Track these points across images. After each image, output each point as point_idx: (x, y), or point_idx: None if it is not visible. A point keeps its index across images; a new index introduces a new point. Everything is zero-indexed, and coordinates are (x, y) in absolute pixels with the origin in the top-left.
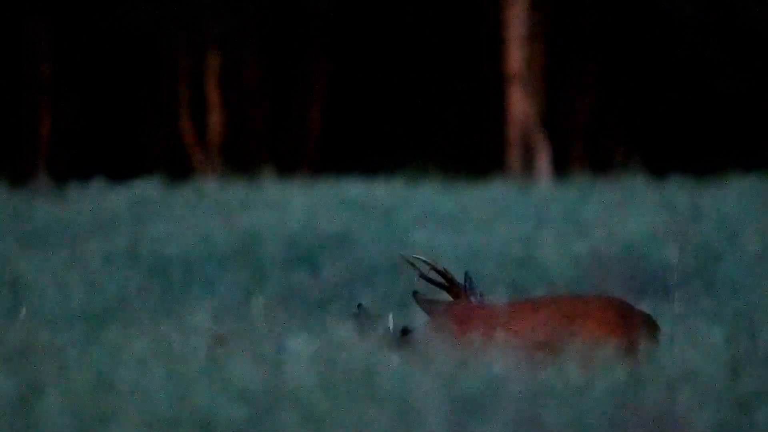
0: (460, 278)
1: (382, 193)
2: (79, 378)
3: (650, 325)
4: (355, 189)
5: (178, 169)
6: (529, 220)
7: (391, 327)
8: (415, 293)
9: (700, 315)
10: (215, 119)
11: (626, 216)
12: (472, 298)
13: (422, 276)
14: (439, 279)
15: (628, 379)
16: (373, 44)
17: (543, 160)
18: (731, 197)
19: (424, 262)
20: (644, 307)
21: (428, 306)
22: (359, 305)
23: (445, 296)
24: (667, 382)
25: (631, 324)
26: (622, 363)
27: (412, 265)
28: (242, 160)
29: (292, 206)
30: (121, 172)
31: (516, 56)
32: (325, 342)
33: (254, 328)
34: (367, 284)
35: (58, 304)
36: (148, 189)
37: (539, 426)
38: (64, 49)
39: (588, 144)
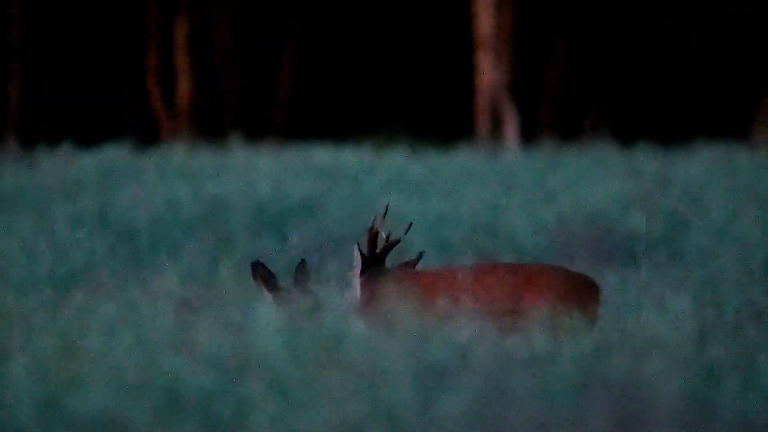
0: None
1: (350, 159)
2: (46, 343)
3: (592, 287)
4: (323, 155)
5: (146, 135)
6: (497, 187)
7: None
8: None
9: (667, 283)
10: (184, 85)
11: (594, 183)
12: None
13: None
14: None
15: (595, 347)
16: (343, 11)
17: (511, 128)
18: (698, 165)
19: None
20: (611, 275)
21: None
22: (302, 260)
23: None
24: (633, 350)
25: (577, 288)
26: (588, 331)
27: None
28: (211, 126)
29: (260, 172)
30: (89, 137)
31: (485, 23)
32: (292, 308)
33: (221, 294)
34: (335, 251)
35: (25, 268)
36: (116, 154)
37: (506, 394)
38: (33, 13)
39: (556, 111)
